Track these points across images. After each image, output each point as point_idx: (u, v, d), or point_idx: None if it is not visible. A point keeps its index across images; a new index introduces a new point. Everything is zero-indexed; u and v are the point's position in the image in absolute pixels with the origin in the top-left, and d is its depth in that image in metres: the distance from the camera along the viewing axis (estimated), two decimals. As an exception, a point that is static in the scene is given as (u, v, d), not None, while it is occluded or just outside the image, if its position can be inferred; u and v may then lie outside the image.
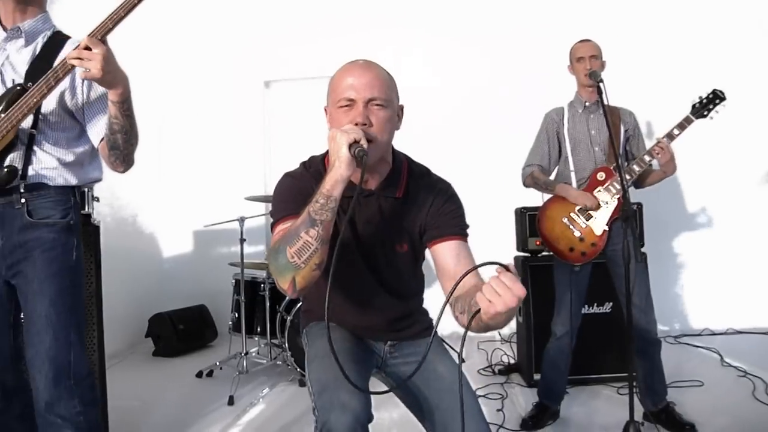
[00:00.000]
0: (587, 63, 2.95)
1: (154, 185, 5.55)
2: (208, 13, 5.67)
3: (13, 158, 1.90)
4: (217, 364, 4.31)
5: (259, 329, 4.45)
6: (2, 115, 1.84)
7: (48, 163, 1.98)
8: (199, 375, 4.29)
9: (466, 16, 5.52)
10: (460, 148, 5.24)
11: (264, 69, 5.84)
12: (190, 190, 5.72)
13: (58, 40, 2.01)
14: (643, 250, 3.82)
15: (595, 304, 3.74)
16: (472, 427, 1.64)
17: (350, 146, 1.53)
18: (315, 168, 1.84)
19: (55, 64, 1.87)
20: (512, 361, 4.31)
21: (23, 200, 1.94)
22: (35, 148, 1.96)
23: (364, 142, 1.55)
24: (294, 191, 1.74)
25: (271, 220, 1.77)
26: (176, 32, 5.59)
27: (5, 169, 1.88)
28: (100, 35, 1.75)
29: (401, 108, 1.81)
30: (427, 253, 1.90)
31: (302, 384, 3.97)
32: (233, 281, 4.63)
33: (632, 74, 4.88)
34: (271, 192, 5.04)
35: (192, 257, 5.91)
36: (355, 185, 1.57)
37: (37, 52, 1.97)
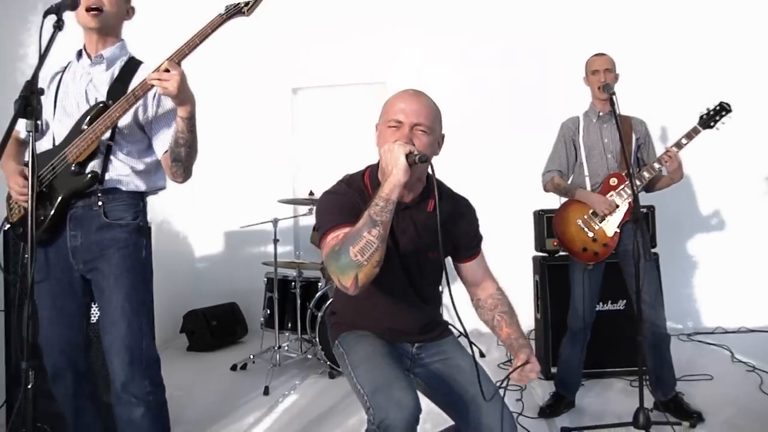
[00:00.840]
0: (601, 76, 3.17)
1: (186, 189, 5.79)
2: (239, 24, 5.93)
3: (93, 165, 2.16)
4: (251, 357, 4.56)
5: (290, 325, 4.71)
6: (87, 128, 2.11)
7: (122, 171, 2.23)
8: (234, 368, 4.55)
9: (487, 21, 5.72)
10: (480, 150, 5.44)
11: (292, 76, 6.09)
12: (221, 194, 5.98)
13: (132, 64, 2.28)
14: (656, 250, 4.03)
15: (609, 302, 3.95)
16: (496, 412, 1.89)
17: (407, 156, 1.78)
18: (356, 185, 2.08)
19: (131, 85, 2.15)
20: (531, 357, 4.52)
21: (100, 203, 2.18)
22: (111, 157, 2.21)
23: (416, 151, 1.81)
24: (340, 205, 1.97)
25: (317, 228, 2.01)
26: (209, 42, 5.85)
27: (89, 175, 2.13)
28: (177, 59, 2.02)
29: (442, 137, 2.06)
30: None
31: (332, 376, 4.22)
32: (265, 279, 4.89)
33: (647, 82, 5.10)
34: (299, 195, 5.32)
35: (223, 257, 6.18)
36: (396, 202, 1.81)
37: (115, 75, 2.24)
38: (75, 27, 2.18)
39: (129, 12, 2.32)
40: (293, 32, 5.83)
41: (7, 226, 2.30)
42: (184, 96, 2.02)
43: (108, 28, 2.23)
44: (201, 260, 6.21)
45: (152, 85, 2.01)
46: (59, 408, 2.41)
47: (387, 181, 1.78)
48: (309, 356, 4.54)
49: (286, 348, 4.59)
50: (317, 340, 4.26)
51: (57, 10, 1.82)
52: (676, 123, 3.96)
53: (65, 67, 2.29)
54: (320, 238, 1.94)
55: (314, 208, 4.88)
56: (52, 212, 2.14)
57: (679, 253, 5.55)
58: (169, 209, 5.67)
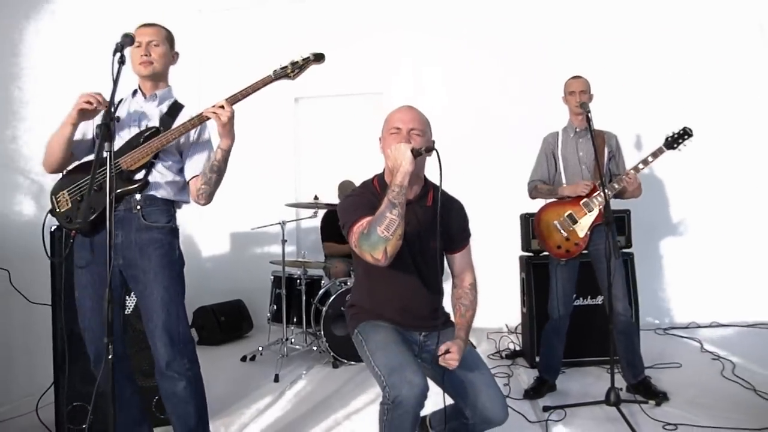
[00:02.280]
0: (578, 96, 3.58)
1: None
2: (242, 34, 6.31)
3: (142, 174, 2.58)
4: (259, 349, 4.94)
5: (295, 319, 5.08)
6: (143, 144, 2.53)
7: (159, 181, 2.63)
8: (244, 359, 4.93)
9: (479, 40, 6.13)
10: (471, 159, 5.83)
11: (294, 86, 6.42)
12: (227, 198, 6.29)
13: (178, 105, 2.73)
14: (632, 251, 4.43)
15: (589, 297, 4.35)
16: (490, 393, 2.34)
17: (411, 150, 2.24)
18: (369, 189, 2.55)
19: (177, 120, 2.63)
20: (517, 348, 4.92)
21: (139, 206, 2.56)
22: (153, 170, 2.62)
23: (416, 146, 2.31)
24: (360, 203, 2.42)
25: (343, 225, 2.43)
26: (212, 52, 6.24)
27: (140, 181, 2.57)
28: (232, 101, 2.49)
29: (433, 142, 2.48)
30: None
31: (335, 366, 4.61)
32: (272, 277, 5.27)
33: (624, 97, 5.52)
34: (301, 199, 5.70)
35: (229, 257, 6.55)
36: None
37: (164, 111, 2.70)
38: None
39: (174, 57, 2.76)
40: (295, 44, 6.18)
41: (51, 217, 2.62)
42: (229, 130, 2.49)
43: (157, 75, 2.68)
44: (208, 260, 6.57)
45: (208, 117, 2.47)
46: (98, 389, 2.63)
47: (398, 172, 2.23)
48: (314, 348, 4.92)
49: (293, 340, 4.97)
50: (321, 332, 4.65)
51: (121, 48, 2.21)
52: (648, 133, 4.37)
53: (120, 101, 2.70)
54: (348, 231, 2.37)
55: (318, 212, 5.30)
56: (101, 208, 2.48)
57: (655, 254, 5.97)
58: (179, 213, 6.02)
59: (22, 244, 3.83)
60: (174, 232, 2.69)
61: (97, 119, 2.57)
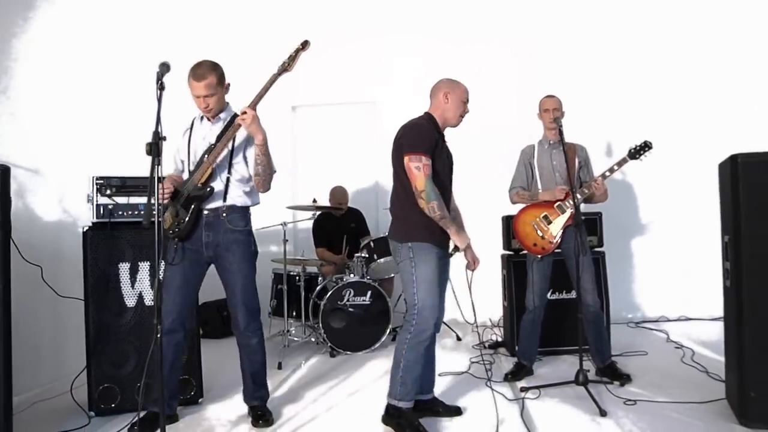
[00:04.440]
0: (551, 113, 4.03)
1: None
2: (240, 42, 6.68)
3: (217, 186, 3.25)
4: (262, 341, 5.33)
5: (294, 313, 5.49)
6: (205, 161, 3.19)
7: (236, 193, 3.34)
8: (247, 350, 5.31)
9: (466, 57, 6.52)
10: (458, 166, 6.23)
11: (291, 95, 6.84)
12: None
13: (234, 117, 3.27)
14: (603, 250, 4.86)
15: (564, 291, 4.77)
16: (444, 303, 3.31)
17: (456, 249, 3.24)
18: (431, 123, 3.30)
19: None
20: (499, 339, 5.36)
21: (224, 214, 3.31)
22: (230, 185, 3.29)
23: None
24: (429, 136, 3.19)
25: (410, 145, 3.13)
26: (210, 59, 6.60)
27: (208, 189, 3.21)
28: (252, 105, 3.07)
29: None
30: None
31: (332, 355, 5.04)
32: (272, 274, 5.67)
33: (596, 109, 5.99)
34: (298, 202, 6.11)
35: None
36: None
37: (224, 127, 3.29)
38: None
39: (226, 88, 3.36)
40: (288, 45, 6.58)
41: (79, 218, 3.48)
42: (256, 128, 3.09)
43: (217, 110, 3.34)
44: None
45: (239, 125, 3.08)
46: (123, 372, 3.56)
47: (458, 238, 3.16)
48: (312, 339, 5.33)
49: (293, 332, 5.37)
50: (319, 325, 5.06)
51: (161, 77, 2.63)
52: (617, 143, 4.80)
53: (192, 126, 3.39)
54: (411, 156, 3.09)
55: (317, 213, 5.70)
56: (187, 217, 3.23)
57: (627, 254, 6.42)
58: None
59: (50, 244, 4.22)
60: (250, 231, 3.42)
61: (193, 141, 3.37)
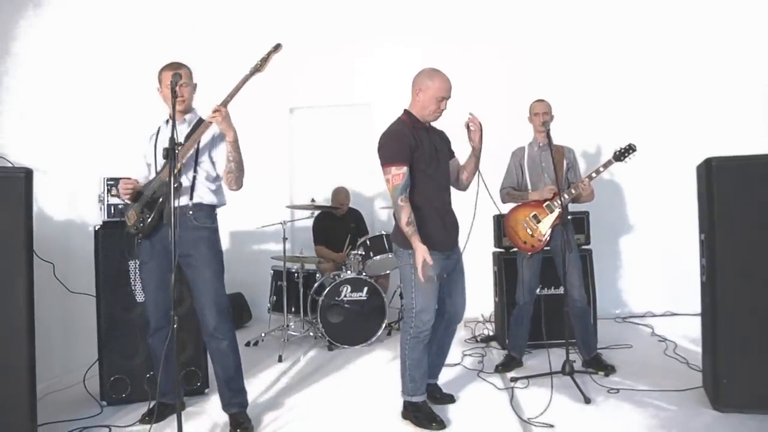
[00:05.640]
0: (541, 117, 4.23)
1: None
2: (242, 52, 6.83)
3: (184, 183, 3.23)
4: (262, 335, 5.54)
5: (293, 309, 5.67)
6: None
7: (203, 191, 3.33)
8: (248, 344, 5.49)
9: (459, 62, 6.68)
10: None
11: (289, 97, 7.02)
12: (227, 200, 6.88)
13: (199, 122, 3.36)
14: (590, 247, 5.06)
15: (553, 287, 4.97)
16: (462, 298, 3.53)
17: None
18: (402, 124, 3.38)
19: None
20: (491, 334, 5.56)
21: (191, 212, 3.28)
22: (196, 183, 3.31)
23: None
24: (399, 145, 3.26)
25: (381, 160, 3.28)
26: (209, 64, 6.77)
27: (176, 184, 3.13)
28: (224, 103, 3.11)
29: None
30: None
31: (330, 349, 5.24)
32: (272, 271, 5.86)
33: (585, 113, 6.20)
34: (296, 201, 6.28)
35: (229, 254, 7.04)
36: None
37: (190, 128, 3.35)
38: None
39: (194, 88, 3.43)
40: (290, 56, 6.73)
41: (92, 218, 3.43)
42: (227, 125, 3.12)
43: (187, 107, 3.38)
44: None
45: (210, 122, 3.12)
46: (133, 364, 3.69)
47: (416, 249, 3.16)
48: (311, 333, 5.53)
49: (292, 327, 5.57)
50: (318, 320, 5.26)
51: (174, 86, 2.84)
52: (605, 145, 5.00)
53: (158, 131, 3.42)
54: (384, 168, 3.25)
55: (315, 213, 5.88)
56: (154, 214, 3.22)
57: (614, 251, 6.61)
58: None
59: (61, 241, 4.39)
60: (216, 230, 3.42)
61: (159, 145, 3.33)
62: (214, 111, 3.06)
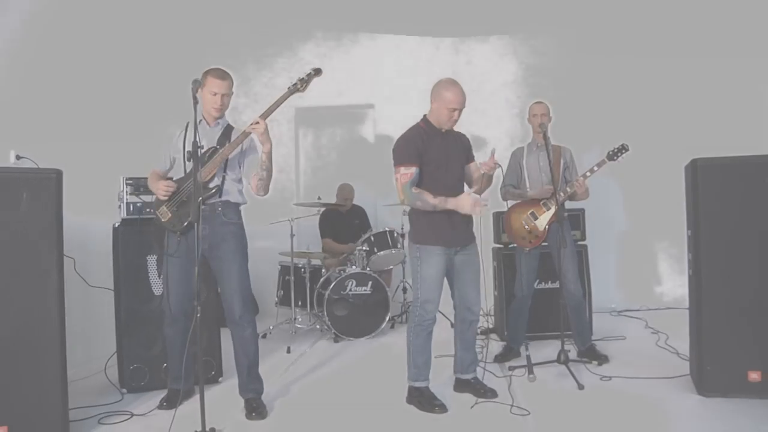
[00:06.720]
0: (539, 119, 4.43)
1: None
2: (249, 57, 7.05)
3: (215, 182, 3.48)
4: (270, 328, 5.75)
5: (300, 302, 5.88)
6: (210, 161, 3.40)
7: (231, 189, 3.58)
8: (256, 336, 5.70)
9: (458, 65, 6.93)
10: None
11: (295, 99, 7.14)
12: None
13: (229, 128, 3.61)
14: (586, 243, 5.26)
15: (550, 281, 5.17)
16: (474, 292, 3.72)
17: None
18: (418, 130, 3.63)
19: (231, 138, 3.48)
20: (491, 326, 5.76)
21: (220, 208, 3.53)
22: (225, 181, 3.54)
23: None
24: (409, 147, 3.53)
25: (394, 162, 3.54)
26: (215, 63, 6.98)
27: (214, 189, 3.45)
28: (264, 116, 3.30)
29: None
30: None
31: (336, 341, 5.45)
32: (279, 266, 6.07)
33: (584, 113, 6.39)
34: (302, 199, 6.47)
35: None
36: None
37: (221, 132, 3.57)
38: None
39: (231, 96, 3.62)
40: (294, 62, 6.97)
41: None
42: (266, 138, 3.33)
43: (223, 112, 3.59)
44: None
45: (249, 132, 3.33)
46: (151, 353, 3.91)
47: (458, 206, 3.45)
48: (317, 326, 5.74)
49: (299, 320, 5.78)
50: (324, 313, 5.47)
51: (195, 92, 3.04)
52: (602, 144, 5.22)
53: (186, 129, 3.51)
54: (396, 169, 3.51)
55: (322, 210, 6.09)
56: (191, 218, 3.33)
57: (610, 247, 6.78)
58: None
59: (80, 238, 4.58)
60: (242, 226, 3.68)
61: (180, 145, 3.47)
62: (255, 123, 3.27)
